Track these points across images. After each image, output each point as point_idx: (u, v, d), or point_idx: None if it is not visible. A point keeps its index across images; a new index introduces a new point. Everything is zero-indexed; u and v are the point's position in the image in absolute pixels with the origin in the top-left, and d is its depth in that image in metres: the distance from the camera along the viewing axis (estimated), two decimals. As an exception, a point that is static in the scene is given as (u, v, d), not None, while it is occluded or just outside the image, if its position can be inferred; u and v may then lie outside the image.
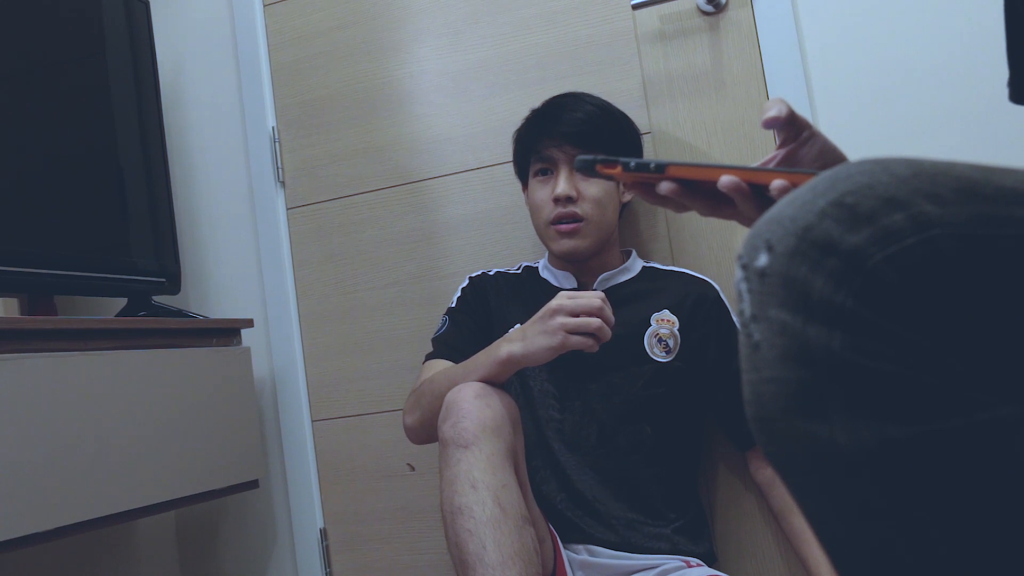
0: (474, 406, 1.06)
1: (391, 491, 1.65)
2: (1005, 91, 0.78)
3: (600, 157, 0.67)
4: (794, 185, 0.61)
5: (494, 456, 1.03)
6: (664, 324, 1.32)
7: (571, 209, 1.31)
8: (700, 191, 0.69)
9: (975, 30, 1.37)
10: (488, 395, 1.09)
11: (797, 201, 0.42)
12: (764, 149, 1.47)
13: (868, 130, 1.42)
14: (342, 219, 1.72)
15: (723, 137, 1.50)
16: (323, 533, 1.69)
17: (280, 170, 1.76)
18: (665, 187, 0.67)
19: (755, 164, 0.69)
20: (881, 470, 0.39)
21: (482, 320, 1.40)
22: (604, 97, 1.40)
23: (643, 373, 1.30)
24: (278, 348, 1.73)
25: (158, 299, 1.57)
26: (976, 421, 0.37)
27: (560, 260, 1.41)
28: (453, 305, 1.43)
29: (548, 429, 1.31)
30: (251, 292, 1.77)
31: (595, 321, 1.07)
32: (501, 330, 1.37)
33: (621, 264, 1.41)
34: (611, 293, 1.38)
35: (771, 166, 0.74)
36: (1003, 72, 0.78)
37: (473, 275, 1.46)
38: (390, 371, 1.66)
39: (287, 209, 1.76)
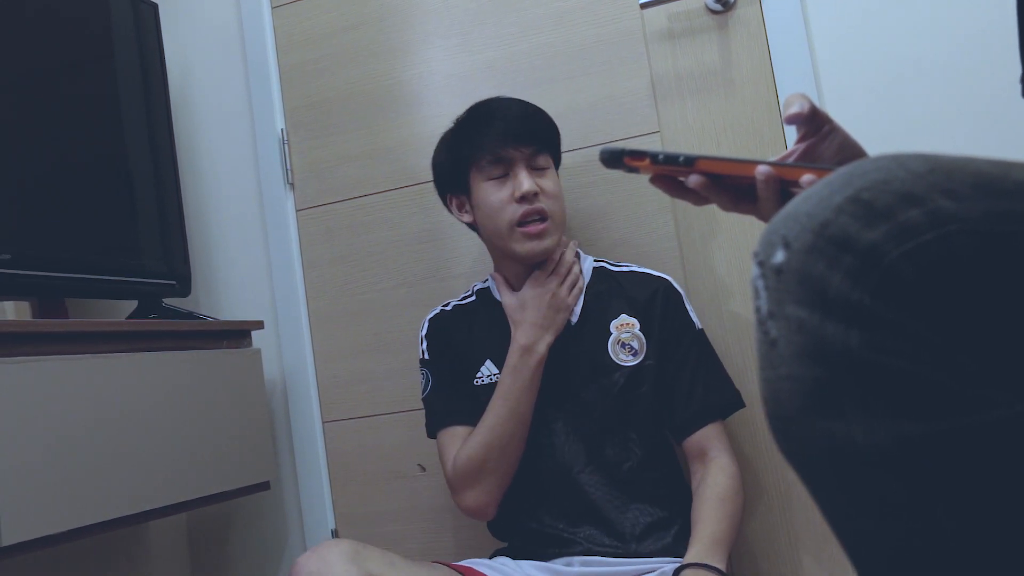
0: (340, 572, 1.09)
1: (402, 492, 1.65)
2: (1017, 87, 0.78)
3: (628, 149, 0.67)
4: None
5: None
6: (624, 328, 1.31)
7: (538, 205, 1.29)
8: (723, 185, 0.69)
9: (985, 26, 1.36)
10: (354, 555, 1.12)
11: (813, 197, 0.42)
12: (773, 147, 1.47)
13: (878, 127, 1.42)
14: (351, 220, 1.72)
15: (732, 135, 1.50)
16: (334, 534, 1.69)
17: (289, 172, 1.76)
18: (694, 180, 0.67)
19: (772, 159, 0.69)
20: (898, 467, 0.38)
21: (454, 359, 1.39)
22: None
23: (616, 381, 1.29)
24: (288, 349, 1.73)
25: (168, 301, 1.57)
26: (992, 418, 0.37)
27: (515, 265, 1.35)
28: (425, 357, 1.41)
29: (545, 457, 1.31)
30: (261, 294, 1.77)
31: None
32: (474, 363, 1.37)
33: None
34: None
35: (790, 160, 0.74)
36: (1015, 67, 0.77)
37: (431, 315, 1.45)
38: (400, 372, 1.66)
39: (296, 211, 1.76)
